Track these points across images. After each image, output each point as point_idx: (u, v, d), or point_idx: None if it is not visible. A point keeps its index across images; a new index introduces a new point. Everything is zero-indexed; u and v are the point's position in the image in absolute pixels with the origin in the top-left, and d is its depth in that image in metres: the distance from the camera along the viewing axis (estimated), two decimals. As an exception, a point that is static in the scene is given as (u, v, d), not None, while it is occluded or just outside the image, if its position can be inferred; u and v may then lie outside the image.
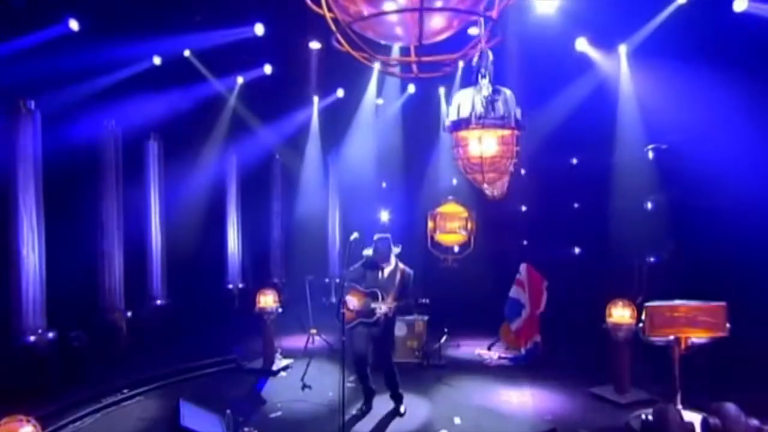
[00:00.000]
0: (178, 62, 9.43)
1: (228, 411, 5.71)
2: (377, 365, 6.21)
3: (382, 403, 6.30)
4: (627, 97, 9.17)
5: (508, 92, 3.03)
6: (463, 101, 3.05)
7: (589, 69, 9.28)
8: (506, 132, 3.02)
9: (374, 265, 6.07)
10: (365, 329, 6.00)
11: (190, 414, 5.20)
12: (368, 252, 6.14)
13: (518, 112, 3.08)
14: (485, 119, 2.94)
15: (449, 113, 3.12)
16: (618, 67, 9.12)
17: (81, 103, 7.75)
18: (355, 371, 6.29)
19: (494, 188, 7.26)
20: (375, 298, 5.92)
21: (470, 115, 2.98)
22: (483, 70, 3.06)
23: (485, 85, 2.96)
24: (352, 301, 5.97)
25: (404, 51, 3.09)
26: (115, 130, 8.35)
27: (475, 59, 3.06)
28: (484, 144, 2.98)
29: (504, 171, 3.10)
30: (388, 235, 6.09)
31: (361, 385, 6.30)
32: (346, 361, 5.37)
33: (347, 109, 11.98)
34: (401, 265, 6.12)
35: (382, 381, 6.23)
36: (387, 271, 6.07)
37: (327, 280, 12.19)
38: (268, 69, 10.84)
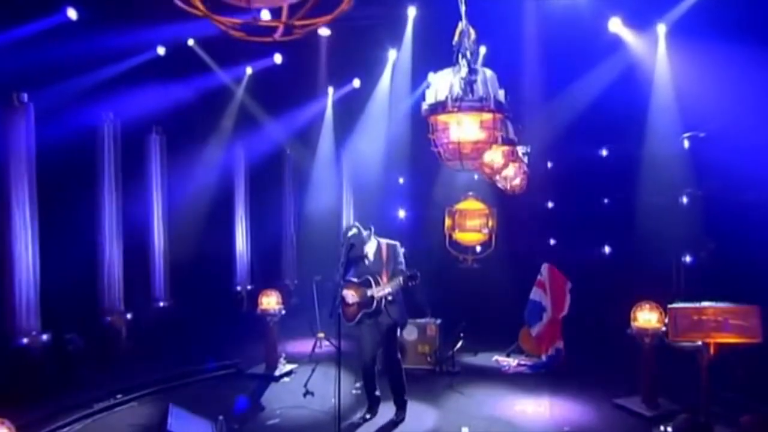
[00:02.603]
0: (181, 52, 9.59)
1: (220, 417, 5.79)
2: (384, 367, 6.21)
3: (387, 411, 6.28)
4: (663, 81, 8.94)
5: (488, 72, 2.98)
6: (441, 83, 3.02)
7: (622, 51, 9.09)
8: (487, 115, 2.97)
9: (356, 254, 6.11)
10: (370, 321, 6.05)
11: (179, 420, 5.28)
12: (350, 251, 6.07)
13: (501, 94, 3.03)
14: (462, 102, 2.90)
15: (426, 96, 3.09)
16: (653, 48, 8.91)
17: (78, 95, 7.89)
18: (361, 373, 6.31)
19: (508, 182, 7.23)
20: (369, 285, 5.96)
21: (446, 97, 2.94)
22: (464, 49, 3.02)
23: (463, 65, 2.91)
24: (350, 295, 6.02)
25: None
26: (114, 123, 8.53)
27: (456, 37, 3.02)
28: (463, 128, 2.94)
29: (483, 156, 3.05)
30: (356, 224, 6.12)
31: (365, 389, 6.32)
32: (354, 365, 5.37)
33: (363, 100, 11.98)
34: (383, 240, 6.16)
35: (387, 383, 6.23)
36: (371, 253, 6.13)
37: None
38: (278, 58, 10.92)
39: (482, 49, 10.04)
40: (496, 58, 9.85)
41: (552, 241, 10.67)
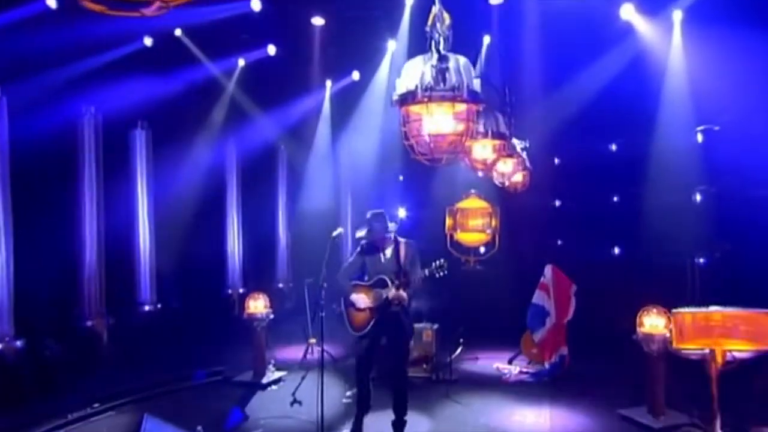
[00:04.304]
0: (168, 42, 9.57)
1: (199, 428, 5.77)
2: (387, 375, 5.94)
3: (376, 423, 6.20)
4: (676, 71, 8.83)
5: (461, 60, 2.91)
6: (412, 71, 2.95)
7: (632, 40, 8.99)
8: (461, 106, 2.90)
9: (372, 248, 5.80)
10: (380, 331, 5.74)
11: (154, 430, 5.26)
12: (361, 233, 5.88)
13: (476, 83, 2.96)
14: (433, 91, 2.83)
15: (398, 85, 3.03)
16: (667, 36, 8.80)
17: (57, 88, 7.86)
18: (355, 377, 6.05)
19: (506, 178, 7.16)
20: (384, 285, 5.64)
21: (416, 87, 2.88)
22: (437, 36, 2.95)
23: (434, 52, 2.85)
24: (361, 299, 5.70)
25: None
26: (96, 117, 8.50)
27: (429, 23, 2.95)
28: (434, 120, 2.88)
29: (461, 151, 2.98)
30: (383, 211, 5.86)
31: (357, 394, 6.06)
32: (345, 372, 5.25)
33: (361, 93, 11.93)
34: (401, 239, 5.84)
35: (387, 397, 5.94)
36: (389, 251, 5.77)
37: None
38: (271, 50, 10.89)
39: (485, 39, 10.11)
40: (499, 47, 9.87)
41: (559, 242, 10.57)
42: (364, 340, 5.82)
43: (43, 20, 7.52)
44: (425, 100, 2.84)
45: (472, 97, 2.87)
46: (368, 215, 5.84)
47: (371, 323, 5.69)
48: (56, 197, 8.14)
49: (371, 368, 5.93)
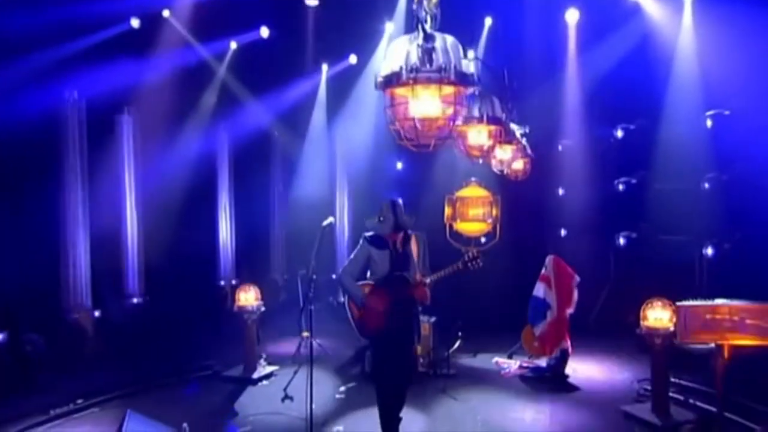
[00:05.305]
0: (156, 24, 9.47)
1: (184, 425, 5.70)
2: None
3: (366, 421, 6.15)
4: (686, 53, 8.73)
5: (449, 39, 2.82)
6: (397, 52, 2.87)
7: (640, 21, 8.88)
8: (449, 88, 2.81)
9: (381, 241, 5.25)
10: (395, 336, 5.19)
11: (136, 427, 5.21)
12: (372, 221, 5.38)
13: (466, 64, 2.87)
14: (418, 72, 2.75)
15: (382, 66, 2.94)
16: (677, 17, 8.69)
17: (37, 73, 7.76)
18: (379, 417, 5.37)
19: (505, 165, 7.07)
20: (402, 284, 5.16)
21: (401, 68, 2.79)
22: (423, 14, 2.86)
23: (419, 31, 2.76)
24: (380, 303, 5.13)
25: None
26: (79, 103, 8.42)
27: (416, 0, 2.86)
28: (419, 102, 2.79)
29: (448, 136, 2.90)
30: (397, 201, 5.34)
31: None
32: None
33: (358, 78, 11.82)
34: (410, 231, 5.40)
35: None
36: (400, 245, 5.27)
37: (334, 276, 12.12)
38: (264, 32, 10.78)
39: (487, 21, 10.00)
40: (499, 29, 9.77)
41: (562, 232, 10.49)
42: (380, 355, 5.40)
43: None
44: (410, 82, 2.75)
45: (461, 79, 2.77)
46: (387, 204, 5.28)
47: (385, 326, 5.18)
48: (39, 185, 8.07)
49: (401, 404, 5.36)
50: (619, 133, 9.78)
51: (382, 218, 5.25)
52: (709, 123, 8.20)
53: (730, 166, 8.14)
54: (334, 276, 11.13)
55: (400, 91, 2.90)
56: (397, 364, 5.27)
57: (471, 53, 4.07)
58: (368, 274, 5.35)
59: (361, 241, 5.37)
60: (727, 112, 8.06)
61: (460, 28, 4.11)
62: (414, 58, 2.80)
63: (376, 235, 5.28)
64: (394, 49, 2.92)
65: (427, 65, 2.76)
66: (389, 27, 10.54)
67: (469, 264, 5.21)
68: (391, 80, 2.86)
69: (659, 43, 8.83)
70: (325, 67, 12.22)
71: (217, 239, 11.41)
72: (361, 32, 10.68)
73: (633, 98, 9.15)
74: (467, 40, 4.47)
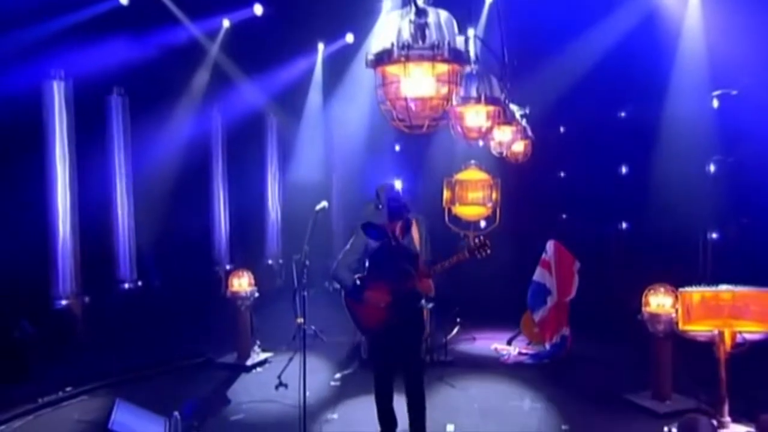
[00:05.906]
0: (146, 1, 9.32)
1: (175, 413, 5.68)
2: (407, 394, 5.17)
3: (361, 407, 6.12)
4: (693, 32, 8.64)
5: (443, 14, 2.73)
6: (389, 28, 2.78)
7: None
8: (442, 66, 2.73)
9: (378, 228, 5.02)
10: (397, 328, 4.97)
11: (126, 416, 5.18)
12: (368, 207, 5.21)
13: (460, 41, 2.78)
14: (410, 49, 2.66)
15: (373, 44, 2.86)
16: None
17: (20, 50, 7.61)
18: (375, 401, 5.24)
19: (504, 147, 6.99)
20: (405, 276, 4.91)
21: (392, 44, 2.71)
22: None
23: (412, 6, 2.67)
24: (381, 299, 4.90)
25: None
26: (66, 82, 8.29)
27: (408, -29, 2.77)
28: (412, 81, 2.71)
29: (442, 117, 2.83)
30: (394, 187, 5.10)
31: (378, 420, 5.27)
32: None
33: (354, 58, 11.70)
34: (411, 216, 5.14)
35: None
36: (400, 231, 5.03)
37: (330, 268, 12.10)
38: (258, 9, 10.64)
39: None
40: (500, 4, 9.61)
41: (563, 215, 10.45)
42: (379, 347, 5.26)
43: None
44: (402, 59, 2.67)
45: (454, 56, 2.69)
46: (382, 188, 5.04)
47: (386, 320, 4.95)
48: (24, 170, 7.99)
49: (393, 390, 5.20)
50: (623, 114, 9.72)
51: (380, 206, 5.02)
52: (715, 103, 8.12)
53: (737, 148, 8.10)
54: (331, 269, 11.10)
55: (391, 70, 2.82)
56: (403, 363, 5.12)
57: (471, 31, 3.99)
58: (366, 265, 5.09)
59: (355, 230, 5.18)
60: (734, 92, 7.97)
61: (460, 4, 4.04)
62: (406, 35, 2.70)
63: (373, 224, 5.05)
64: (385, 25, 2.83)
65: (420, 42, 2.67)
66: (387, 4, 10.38)
67: (477, 252, 4.88)
68: (382, 58, 2.77)
69: (665, 19, 8.72)
70: (321, 46, 12.08)
71: (211, 223, 11.38)
72: (359, 10, 10.52)
73: (637, 78, 9.07)
74: (467, 17, 4.38)
